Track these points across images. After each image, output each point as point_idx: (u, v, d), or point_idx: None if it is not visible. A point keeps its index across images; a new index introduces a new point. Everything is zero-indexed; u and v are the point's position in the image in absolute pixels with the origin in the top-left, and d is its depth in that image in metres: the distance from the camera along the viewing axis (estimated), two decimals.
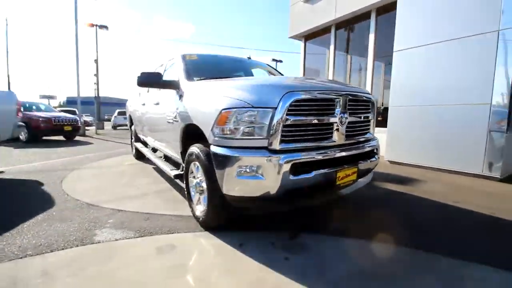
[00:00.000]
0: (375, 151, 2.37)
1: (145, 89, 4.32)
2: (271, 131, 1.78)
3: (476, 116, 3.90)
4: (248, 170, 1.78)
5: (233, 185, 1.84)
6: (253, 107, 1.79)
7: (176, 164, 3.16)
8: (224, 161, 1.83)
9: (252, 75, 3.47)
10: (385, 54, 6.27)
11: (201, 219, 2.23)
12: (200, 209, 2.32)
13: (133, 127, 5.55)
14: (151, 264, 1.75)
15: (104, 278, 1.60)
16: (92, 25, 18.17)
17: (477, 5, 3.88)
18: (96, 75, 19.28)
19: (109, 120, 27.15)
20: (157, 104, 3.31)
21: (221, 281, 1.57)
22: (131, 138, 5.92)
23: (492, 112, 3.79)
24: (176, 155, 2.93)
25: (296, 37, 8.46)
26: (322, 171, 1.90)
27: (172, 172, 2.89)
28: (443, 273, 1.66)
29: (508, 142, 3.77)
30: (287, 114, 1.78)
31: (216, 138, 1.91)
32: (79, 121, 9.90)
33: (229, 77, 2.83)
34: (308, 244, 2.00)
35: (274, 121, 1.77)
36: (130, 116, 5.76)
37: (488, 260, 1.79)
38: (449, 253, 1.88)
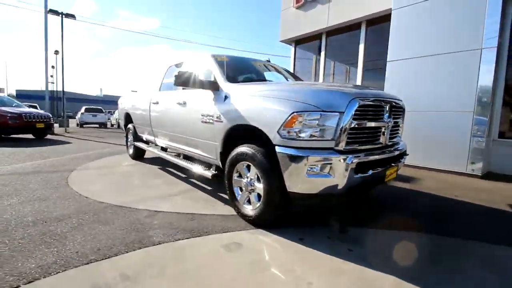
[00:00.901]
0: (405, 152, 2.65)
1: (156, 87, 4.21)
2: (338, 133, 1.94)
3: (461, 122, 4.48)
4: (318, 169, 1.92)
5: (302, 183, 1.96)
6: (323, 111, 1.93)
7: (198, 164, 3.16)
8: (294, 161, 1.94)
9: (277, 78, 3.59)
10: (374, 63, 6.82)
11: (253, 217, 2.30)
12: (250, 207, 2.39)
13: (130, 126, 5.31)
14: (229, 260, 1.79)
15: (193, 277, 1.61)
16: (58, 14, 16.63)
17: (464, 25, 4.46)
18: (62, 67, 17.68)
19: (72, 117, 25.07)
20: (183, 104, 3.27)
21: (305, 271, 1.68)
22: (126, 138, 5.65)
23: (474, 119, 4.38)
24: (209, 156, 2.94)
25: (287, 41, 8.75)
26: (377, 169, 2.11)
27: (206, 172, 2.89)
28: (478, 256, 1.96)
29: (487, 146, 4.39)
30: (352, 118, 1.96)
31: (284, 139, 2.01)
32: (51, 118, 9.06)
33: (265, 81, 2.94)
34: (359, 237, 2.19)
35: (342, 125, 1.93)
36: (126, 115, 5.50)
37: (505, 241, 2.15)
38: (469, 237, 2.21)
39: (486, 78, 4.26)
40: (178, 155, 3.93)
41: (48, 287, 1.50)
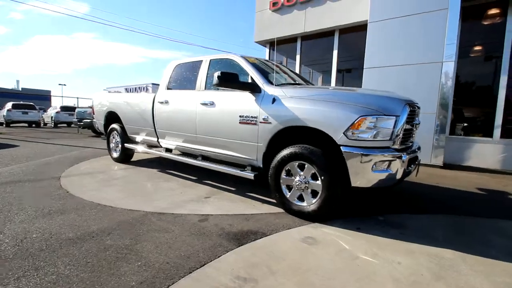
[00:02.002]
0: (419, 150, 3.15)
1: (162, 86, 3.96)
2: (395, 134, 2.26)
3: (428, 123, 5.38)
4: (382, 165, 2.21)
5: (366, 178, 2.22)
6: (384, 115, 2.22)
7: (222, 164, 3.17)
8: (362, 159, 2.19)
9: (295, 80, 3.76)
10: (347, 68, 7.56)
11: (311, 212, 2.47)
12: (304, 203, 2.54)
13: (115, 127, 4.82)
14: (317, 253, 1.94)
15: (298, 270, 1.71)
16: None
17: (427, 40, 5.36)
18: None
19: None
20: (211, 104, 3.20)
21: (387, 254, 1.94)
22: (108, 140, 5.10)
23: (436, 120, 5.33)
24: (247, 156, 2.98)
25: (262, 42, 8.97)
26: (413, 165, 2.52)
27: (247, 173, 2.93)
28: (485, 227, 2.53)
29: (447, 142, 5.39)
30: (405, 121, 2.30)
31: (350, 140, 2.24)
32: None
33: (298, 83, 3.10)
34: (401, 221, 2.56)
35: (398, 126, 2.26)
36: (109, 114, 4.99)
37: (490, 214, 2.80)
38: (474, 214, 2.81)
39: (446, 87, 5.23)
40: (183, 155, 3.80)
41: None
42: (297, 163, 2.56)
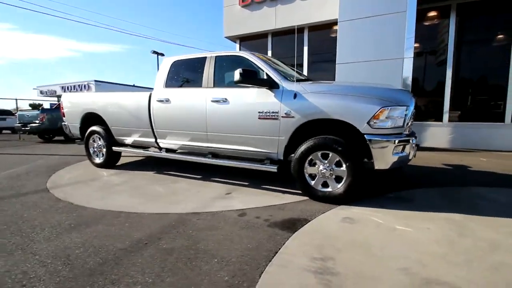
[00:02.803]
0: None
1: (159, 84, 3.78)
2: (406, 122, 2.64)
3: None
4: (400, 149, 2.57)
5: (388, 161, 2.56)
6: (399, 105, 2.57)
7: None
8: (384, 145, 2.51)
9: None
10: (317, 64, 8.06)
11: (338, 196, 2.72)
12: (329, 189, 2.79)
13: (97, 129, 4.42)
14: (364, 230, 2.20)
15: (364, 245, 1.95)
16: None
17: (391, 40, 6.07)
18: None
19: None
20: (223, 101, 3.21)
21: (416, 223, 2.30)
22: (87, 144, 4.63)
23: None
24: (267, 150, 3.10)
25: (232, 38, 8.95)
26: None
27: (270, 167, 3.05)
28: (471, 193, 3.13)
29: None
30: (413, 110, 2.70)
31: (372, 129, 2.54)
32: None
33: (308, 80, 3.31)
34: (406, 196, 2.99)
35: (408, 115, 2.64)
36: (87, 116, 4.55)
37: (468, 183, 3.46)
38: (463, 184, 3.43)
39: (407, 79, 6.03)
40: (188, 154, 3.74)
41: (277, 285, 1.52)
42: (320, 153, 2.78)
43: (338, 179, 2.77)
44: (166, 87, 3.73)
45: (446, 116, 6.36)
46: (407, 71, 6.01)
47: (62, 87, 32.18)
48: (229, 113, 3.21)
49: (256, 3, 8.11)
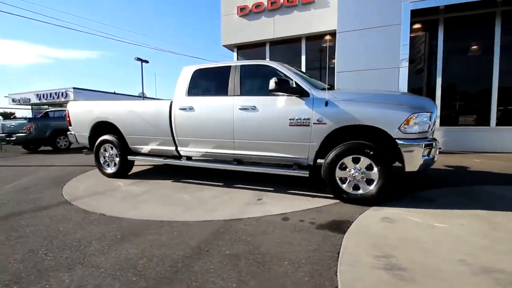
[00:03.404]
0: None
1: (180, 92, 3.78)
2: (430, 126, 2.86)
3: None
4: (428, 152, 2.77)
5: (418, 163, 2.75)
6: (425, 111, 2.78)
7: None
8: (415, 148, 2.70)
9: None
10: (315, 67, 8.35)
11: (370, 197, 2.87)
12: (361, 191, 2.93)
13: (110, 138, 4.31)
14: (404, 227, 2.34)
15: (413, 242, 2.08)
16: None
17: (388, 50, 6.47)
18: None
19: None
20: (252, 108, 3.29)
21: (449, 220, 2.48)
22: (98, 154, 4.48)
23: None
24: (297, 156, 3.20)
25: (229, 46, 9.06)
26: None
27: (302, 172, 3.16)
28: (478, 190, 3.40)
29: None
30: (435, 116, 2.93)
31: (403, 134, 2.73)
32: None
33: (331, 87, 3.49)
34: (427, 196, 3.20)
35: (432, 120, 2.86)
36: (97, 125, 4.43)
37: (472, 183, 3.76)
38: (470, 183, 3.71)
39: (403, 87, 6.43)
40: (212, 162, 3.76)
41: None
42: (351, 157, 2.93)
43: (369, 182, 2.92)
44: (188, 95, 3.74)
45: (438, 120, 6.83)
46: (403, 79, 6.41)
47: (37, 95, 30.59)
48: (258, 120, 3.29)
49: (254, 13, 8.31)
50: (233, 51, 9.24)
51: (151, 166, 5.46)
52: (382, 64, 6.53)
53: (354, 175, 2.94)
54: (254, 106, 3.30)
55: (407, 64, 6.34)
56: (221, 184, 3.94)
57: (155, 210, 2.92)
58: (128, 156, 4.25)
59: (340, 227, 2.39)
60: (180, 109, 3.71)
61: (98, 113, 4.39)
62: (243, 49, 9.12)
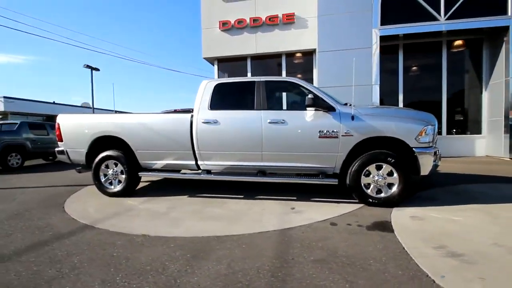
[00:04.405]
0: None
1: (203, 106, 3.77)
2: (435, 136, 3.43)
3: None
4: (435, 158, 3.31)
5: (429, 168, 3.27)
6: (431, 125, 3.34)
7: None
8: (428, 155, 3.22)
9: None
10: None
11: (393, 199, 3.28)
12: (382, 195, 3.33)
13: (115, 154, 4.00)
14: (438, 224, 2.77)
15: (454, 233, 2.50)
16: None
17: (362, 70, 7.32)
18: None
19: None
20: (282, 122, 3.48)
21: (468, 213, 3.00)
22: (98, 172, 4.09)
23: None
24: (325, 166, 3.48)
25: (210, 59, 9.09)
26: None
27: (331, 180, 3.44)
28: (464, 188, 4.12)
29: None
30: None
31: (418, 143, 3.22)
32: None
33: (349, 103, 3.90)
34: (430, 195, 3.76)
35: (435, 131, 3.44)
36: (96, 141, 4.10)
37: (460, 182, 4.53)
38: (457, 183, 4.44)
39: (376, 102, 7.32)
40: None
41: None
42: (375, 165, 3.33)
43: (389, 186, 3.34)
44: (211, 109, 3.75)
45: None
46: (375, 95, 7.32)
47: None
48: (288, 133, 3.49)
49: (236, 28, 8.56)
50: (213, 64, 9.29)
51: (148, 183, 5.15)
52: (357, 81, 7.34)
53: (377, 180, 3.33)
54: (283, 120, 3.50)
55: (378, 82, 7.28)
56: (241, 196, 3.97)
57: (199, 226, 2.85)
58: (139, 173, 3.99)
59: (385, 227, 2.71)
60: (204, 122, 3.69)
61: (102, 127, 4.04)
62: (224, 62, 9.25)
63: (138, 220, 3.10)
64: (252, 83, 3.77)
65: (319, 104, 3.32)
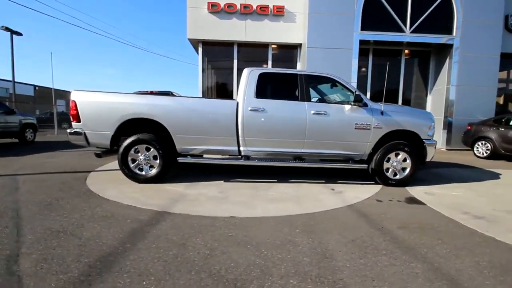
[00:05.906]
0: None
1: (248, 94, 3.88)
2: (434, 130, 4.37)
3: None
4: (435, 147, 4.25)
5: (432, 156, 4.19)
6: (433, 121, 4.25)
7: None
8: (432, 145, 4.12)
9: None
10: None
11: (405, 180, 4.11)
12: (397, 177, 4.13)
13: (149, 138, 3.80)
14: (449, 198, 3.66)
15: (469, 203, 3.38)
16: None
17: (344, 67, 8.18)
18: None
19: None
20: (324, 113, 3.89)
21: (471, 191, 3.99)
22: (126, 157, 3.80)
23: None
24: (357, 153, 4.08)
25: (194, 41, 8.68)
26: None
27: (362, 165, 4.06)
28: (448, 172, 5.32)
29: None
30: None
31: (427, 136, 4.09)
32: None
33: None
34: (420, 177, 4.76)
35: (434, 126, 4.39)
36: (124, 124, 3.81)
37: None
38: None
39: None
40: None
41: None
42: (394, 153, 4.08)
43: (403, 170, 4.15)
44: (257, 97, 3.89)
45: None
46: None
47: None
48: (330, 124, 3.94)
49: (226, 12, 8.36)
50: (196, 47, 8.91)
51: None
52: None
53: (395, 165, 4.10)
54: (326, 111, 3.92)
55: (355, 79, 8.29)
56: (274, 180, 4.28)
57: (272, 208, 3.08)
58: (178, 158, 3.88)
59: (415, 201, 3.46)
60: (252, 110, 3.82)
61: (134, 109, 3.73)
62: (209, 45, 8.95)
63: (207, 204, 3.13)
64: (295, 75, 4.06)
65: (360, 100, 3.85)
